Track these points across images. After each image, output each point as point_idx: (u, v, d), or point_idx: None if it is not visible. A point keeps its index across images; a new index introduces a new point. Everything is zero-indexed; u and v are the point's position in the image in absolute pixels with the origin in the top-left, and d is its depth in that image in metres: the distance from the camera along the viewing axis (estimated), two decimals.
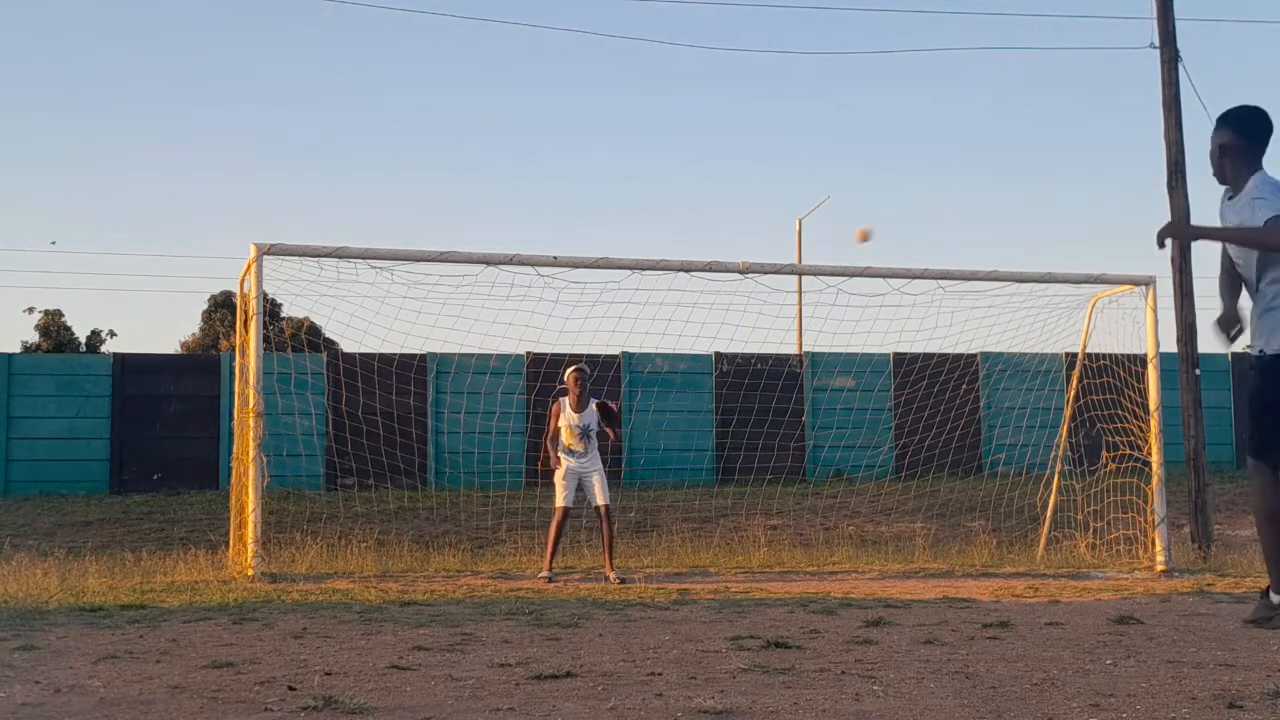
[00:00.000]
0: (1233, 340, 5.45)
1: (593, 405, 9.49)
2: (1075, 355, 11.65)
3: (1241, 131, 5.28)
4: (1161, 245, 5.25)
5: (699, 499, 15.13)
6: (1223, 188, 5.36)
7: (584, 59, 61.75)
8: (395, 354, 15.65)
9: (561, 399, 9.54)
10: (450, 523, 14.09)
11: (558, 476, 9.46)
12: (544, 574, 9.15)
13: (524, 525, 13.01)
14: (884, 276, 10.11)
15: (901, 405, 18.08)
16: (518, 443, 16.54)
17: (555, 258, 9.76)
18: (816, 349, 17.73)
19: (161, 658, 4.10)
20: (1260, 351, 5.04)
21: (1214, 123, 5.35)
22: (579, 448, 9.38)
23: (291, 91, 53.59)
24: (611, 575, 9.10)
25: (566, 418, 9.44)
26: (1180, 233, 5.28)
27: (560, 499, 9.37)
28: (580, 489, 9.51)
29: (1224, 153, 5.29)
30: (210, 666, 3.78)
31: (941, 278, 10.40)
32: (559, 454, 9.39)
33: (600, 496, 9.36)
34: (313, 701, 2.99)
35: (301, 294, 9.75)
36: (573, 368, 9.46)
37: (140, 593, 7.32)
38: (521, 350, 16.89)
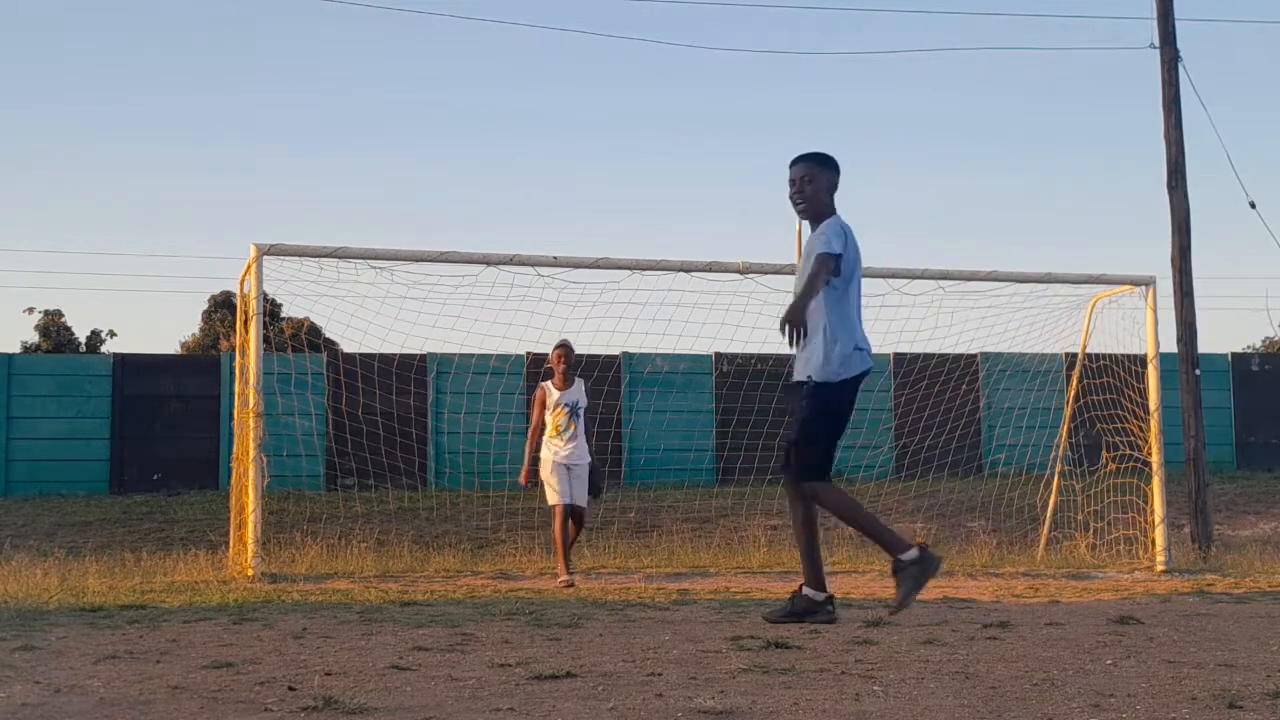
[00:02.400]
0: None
1: (580, 383, 9.08)
2: (1075, 355, 11.66)
3: (821, 165, 5.70)
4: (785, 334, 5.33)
5: (699, 499, 15.12)
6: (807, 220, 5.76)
7: (583, 58, 61.74)
8: (395, 354, 15.65)
9: (545, 384, 9.13)
10: (450, 523, 14.09)
11: (546, 473, 8.94)
12: (563, 578, 8.53)
13: (524, 525, 13.01)
14: (884, 276, 10.11)
15: (901, 405, 18.08)
16: (518, 443, 16.42)
17: (555, 258, 9.76)
18: None
19: (161, 658, 4.10)
20: (808, 378, 5.51)
21: (790, 164, 5.73)
22: (569, 428, 8.89)
23: (292, 91, 53.56)
24: (564, 575, 8.56)
25: (553, 399, 8.98)
26: (795, 316, 5.41)
27: (554, 495, 8.82)
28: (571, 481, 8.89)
29: (803, 185, 5.66)
30: (210, 666, 3.78)
31: (941, 278, 10.41)
32: (541, 452, 8.94)
33: (580, 495, 8.87)
34: (313, 702, 2.99)
35: (301, 294, 9.77)
36: (558, 344, 9.05)
37: (140, 593, 7.32)
38: (521, 350, 16.88)
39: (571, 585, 8.42)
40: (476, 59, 55.32)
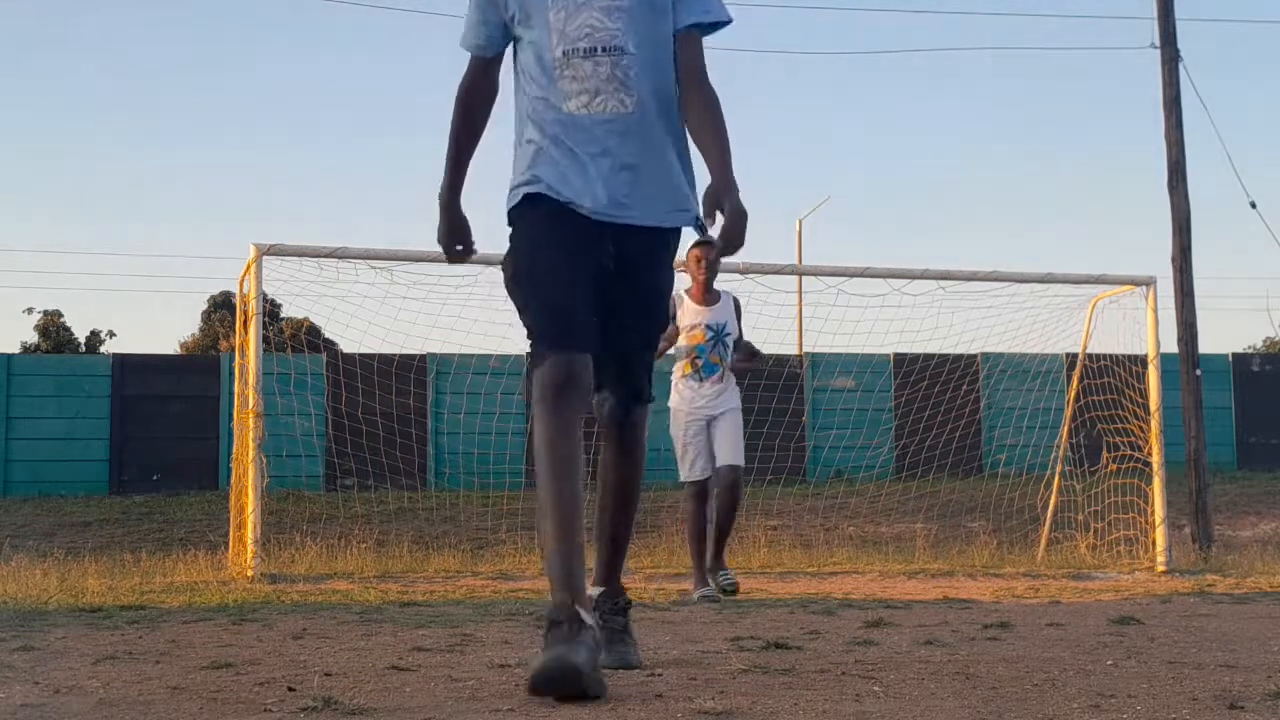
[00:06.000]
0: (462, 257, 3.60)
1: (729, 299, 6.66)
2: (1076, 356, 11.66)
3: None
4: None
5: None
6: None
7: None
8: (395, 354, 15.65)
9: (681, 293, 6.48)
10: (450, 523, 14.08)
11: (675, 429, 6.44)
12: (700, 591, 6.40)
13: (524, 526, 12.99)
14: (884, 276, 10.10)
15: (902, 406, 18.08)
16: (518, 443, 16.50)
17: None
18: (816, 349, 17.70)
19: (161, 658, 4.09)
20: (696, 219, 3.47)
21: None
22: (712, 360, 6.41)
23: (292, 91, 53.59)
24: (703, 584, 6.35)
25: (688, 320, 6.40)
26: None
27: (689, 469, 6.44)
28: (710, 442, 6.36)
29: None
30: (210, 667, 3.77)
31: (941, 278, 10.40)
32: (669, 400, 6.47)
33: (729, 453, 6.32)
34: (312, 702, 2.98)
35: (301, 294, 9.78)
36: (696, 241, 6.33)
37: (140, 593, 7.31)
38: (521, 350, 16.87)
39: (714, 599, 6.19)
40: None
